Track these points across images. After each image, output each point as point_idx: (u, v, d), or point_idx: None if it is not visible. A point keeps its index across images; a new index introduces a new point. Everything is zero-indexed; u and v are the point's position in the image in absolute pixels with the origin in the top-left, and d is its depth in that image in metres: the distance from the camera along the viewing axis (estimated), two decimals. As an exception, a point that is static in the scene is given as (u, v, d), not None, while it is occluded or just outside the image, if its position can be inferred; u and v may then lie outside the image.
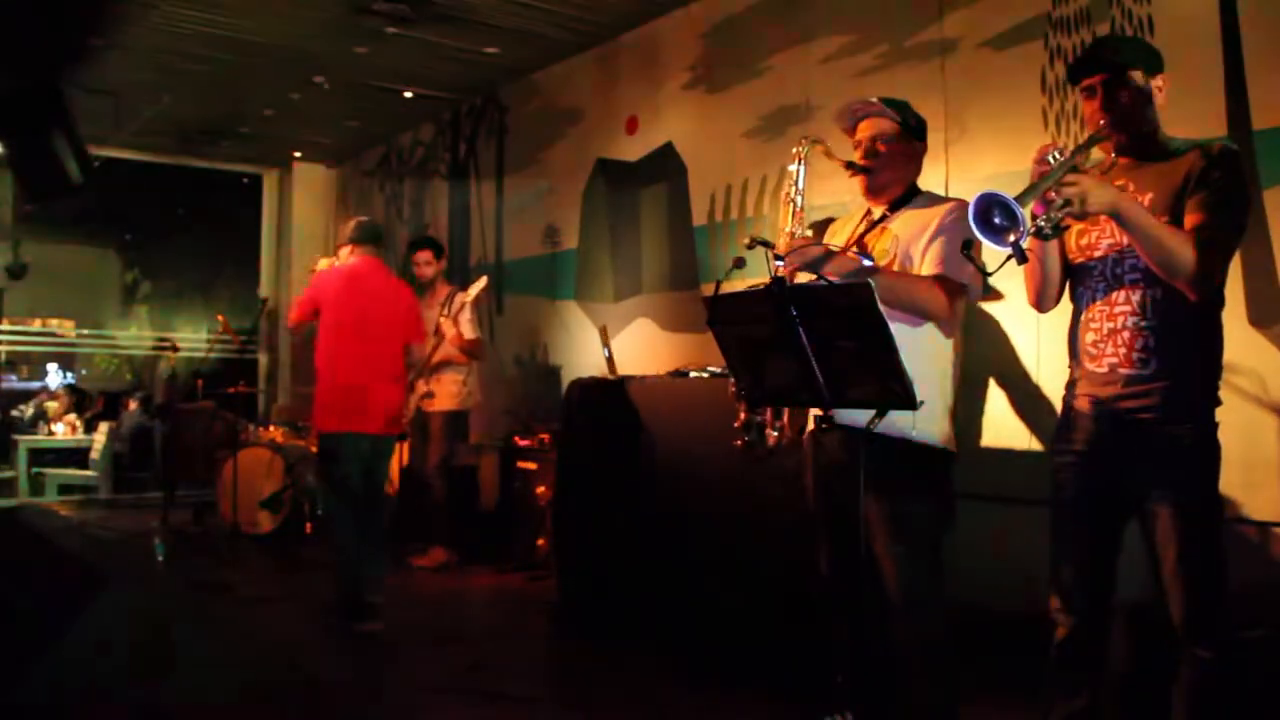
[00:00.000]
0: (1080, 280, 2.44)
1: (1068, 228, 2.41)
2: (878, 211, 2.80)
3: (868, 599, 2.69)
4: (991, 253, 2.09)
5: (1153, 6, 3.52)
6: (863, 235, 2.76)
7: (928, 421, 2.62)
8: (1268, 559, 3.14)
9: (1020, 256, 2.01)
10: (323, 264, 4.94)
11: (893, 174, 2.75)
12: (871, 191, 2.78)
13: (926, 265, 2.63)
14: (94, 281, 14.60)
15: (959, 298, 2.65)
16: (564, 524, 4.71)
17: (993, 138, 4.01)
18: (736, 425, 2.39)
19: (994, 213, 2.04)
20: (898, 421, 2.55)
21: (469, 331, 5.67)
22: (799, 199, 2.70)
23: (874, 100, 2.75)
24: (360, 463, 4.53)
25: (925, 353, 2.62)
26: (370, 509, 4.58)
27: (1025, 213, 2.01)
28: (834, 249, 2.67)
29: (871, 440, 2.47)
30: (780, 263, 2.65)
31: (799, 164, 2.72)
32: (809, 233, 2.85)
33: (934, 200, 2.77)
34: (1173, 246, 2.17)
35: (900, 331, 2.54)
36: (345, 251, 4.76)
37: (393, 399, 4.65)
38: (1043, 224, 2.13)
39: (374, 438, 4.57)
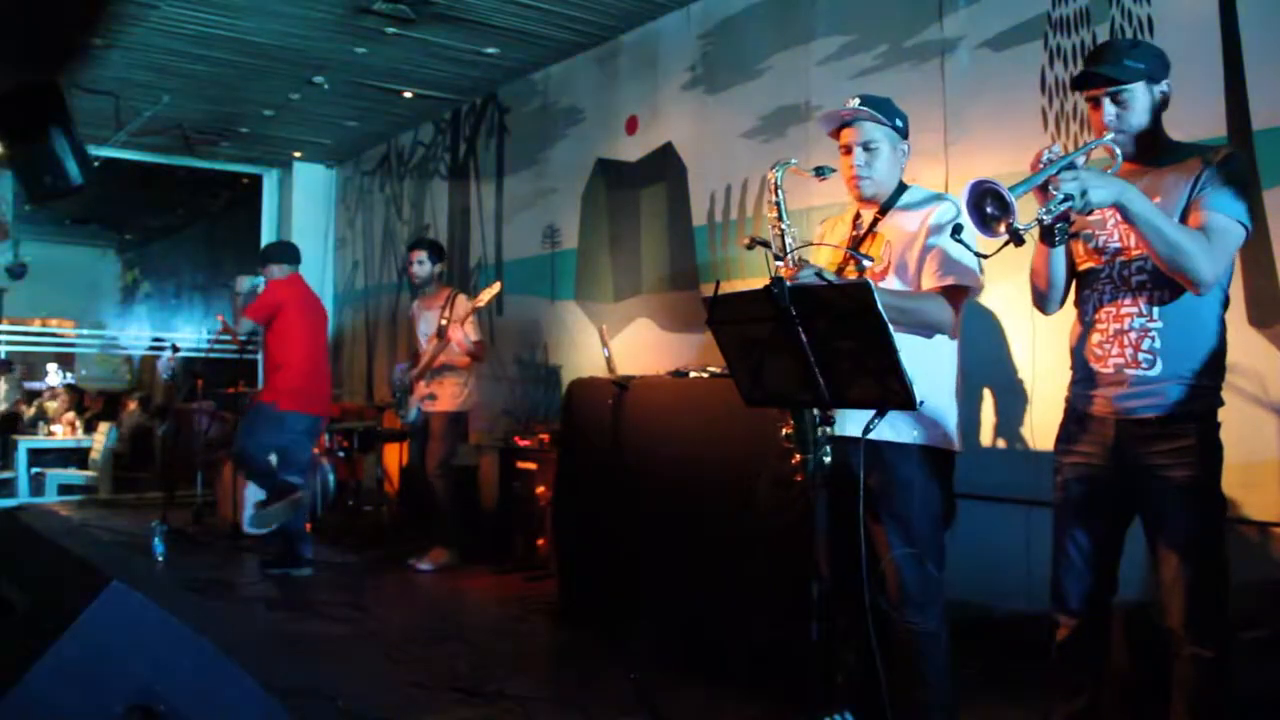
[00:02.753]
0: (1086, 284, 2.44)
1: (1075, 234, 2.41)
2: (868, 215, 2.79)
3: (869, 599, 2.69)
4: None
5: (1153, 7, 3.52)
6: (859, 242, 2.75)
7: (930, 421, 2.62)
8: (1268, 559, 3.14)
9: (1017, 240, 2.00)
10: (246, 284, 5.81)
11: (882, 176, 2.73)
12: (864, 196, 2.77)
13: (927, 276, 2.62)
14: (94, 281, 14.61)
15: (964, 301, 2.65)
16: (564, 524, 4.71)
17: (993, 138, 4.01)
18: (795, 462, 2.43)
19: (986, 202, 2.03)
20: (900, 421, 2.55)
21: (473, 334, 5.67)
22: (786, 226, 2.68)
23: (855, 105, 2.73)
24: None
25: (927, 352, 2.62)
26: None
27: (1018, 201, 2.01)
28: (833, 279, 2.65)
29: (873, 440, 2.47)
30: (780, 263, 2.65)
31: (777, 193, 2.70)
32: (812, 236, 2.85)
33: (921, 198, 2.76)
34: (1178, 239, 2.17)
35: (905, 333, 2.53)
36: (284, 269, 5.79)
37: None
38: (1044, 218, 2.13)
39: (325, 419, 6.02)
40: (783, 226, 2.68)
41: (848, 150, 2.74)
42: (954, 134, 4.14)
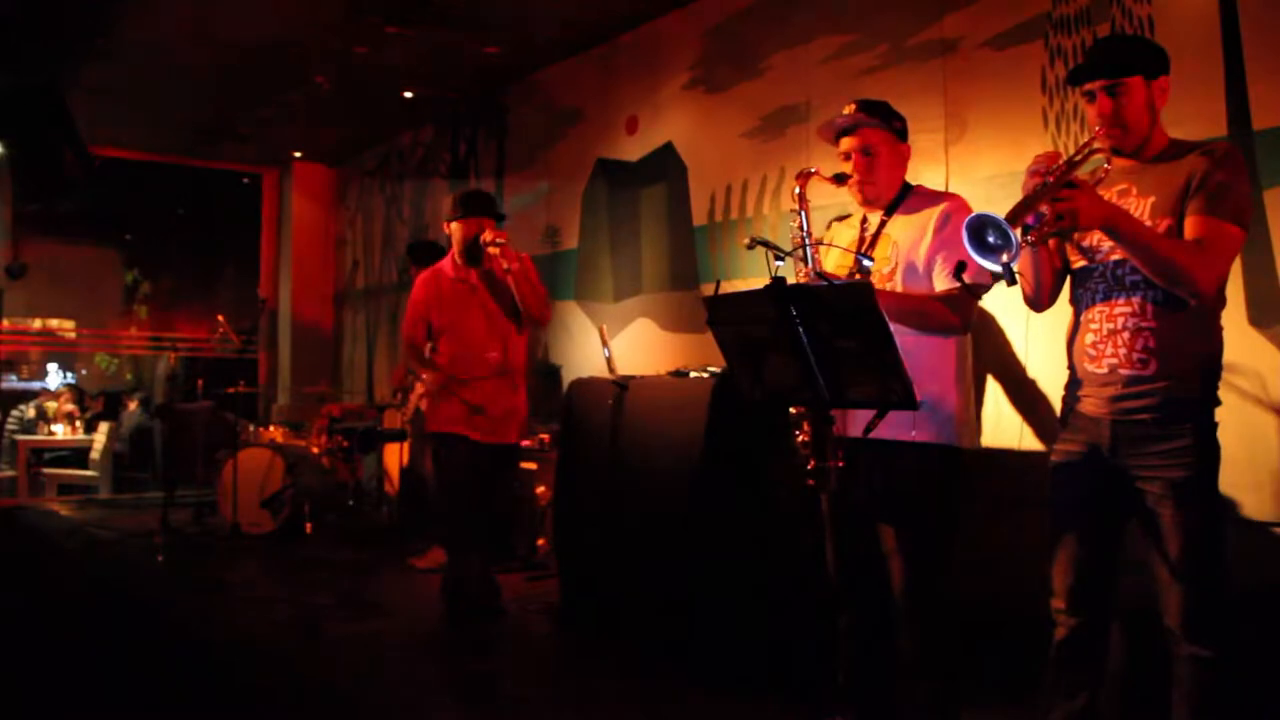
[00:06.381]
0: (1080, 282, 2.44)
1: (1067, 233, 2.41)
2: (874, 218, 2.80)
3: (873, 598, 2.69)
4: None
5: (1153, 6, 3.52)
6: (869, 245, 2.75)
7: (935, 420, 2.62)
8: (1268, 559, 3.14)
9: (1010, 278, 2.04)
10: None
11: (884, 180, 2.75)
12: (867, 200, 2.78)
13: (939, 278, 2.63)
14: (94, 281, 14.60)
15: (976, 301, 2.66)
16: (564, 524, 4.71)
17: (993, 138, 4.00)
18: (809, 467, 2.43)
19: (987, 232, 2.06)
20: (905, 421, 2.55)
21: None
22: (808, 239, 2.69)
23: (854, 112, 2.74)
24: None
25: (932, 351, 2.62)
26: None
27: (1017, 232, 2.04)
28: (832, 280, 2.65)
29: (879, 440, 2.47)
30: (780, 263, 2.65)
31: (800, 211, 2.70)
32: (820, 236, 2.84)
33: (927, 198, 2.77)
34: (1170, 257, 2.17)
35: (906, 331, 2.54)
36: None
37: None
38: (1032, 240, 2.17)
39: None
40: (803, 236, 2.69)
41: (848, 157, 2.76)
42: (954, 134, 4.14)
